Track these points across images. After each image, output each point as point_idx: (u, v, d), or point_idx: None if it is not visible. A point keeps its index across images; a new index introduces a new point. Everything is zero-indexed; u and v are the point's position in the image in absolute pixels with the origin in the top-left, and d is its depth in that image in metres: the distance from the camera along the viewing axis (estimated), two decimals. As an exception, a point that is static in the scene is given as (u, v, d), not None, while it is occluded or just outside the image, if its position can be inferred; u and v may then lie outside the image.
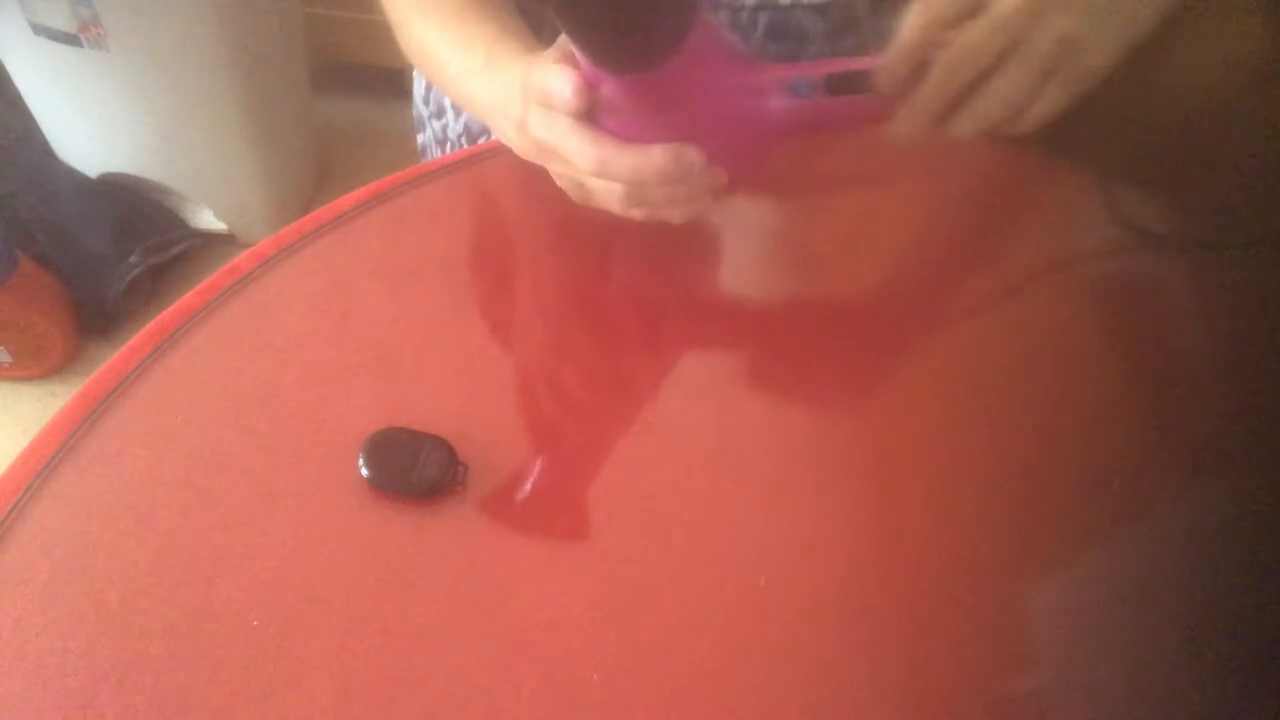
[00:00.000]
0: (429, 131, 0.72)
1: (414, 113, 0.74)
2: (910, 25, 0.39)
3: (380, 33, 0.55)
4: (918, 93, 0.40)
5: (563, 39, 0.41)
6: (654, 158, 0.39)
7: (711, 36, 0.41)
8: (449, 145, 0.70)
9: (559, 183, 0.45)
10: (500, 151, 0.56)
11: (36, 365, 1.26)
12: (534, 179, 0.47)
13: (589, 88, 0.39)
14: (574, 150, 0.40)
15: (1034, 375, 0.46)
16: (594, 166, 0.40)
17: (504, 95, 0.45)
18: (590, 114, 0.40)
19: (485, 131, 0.67)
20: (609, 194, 0.42)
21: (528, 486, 0.39)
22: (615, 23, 0.35)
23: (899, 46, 0.39)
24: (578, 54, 0.38)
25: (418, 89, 0.72)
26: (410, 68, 0.73)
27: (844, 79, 0.42)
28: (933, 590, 0.37)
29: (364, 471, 0.38)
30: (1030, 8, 0.37)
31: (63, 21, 1.15)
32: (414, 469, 0.37)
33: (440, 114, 0.70)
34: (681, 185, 0.41)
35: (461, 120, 0.68)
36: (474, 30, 0.49)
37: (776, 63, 0.43)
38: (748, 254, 0.52)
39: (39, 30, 1.17)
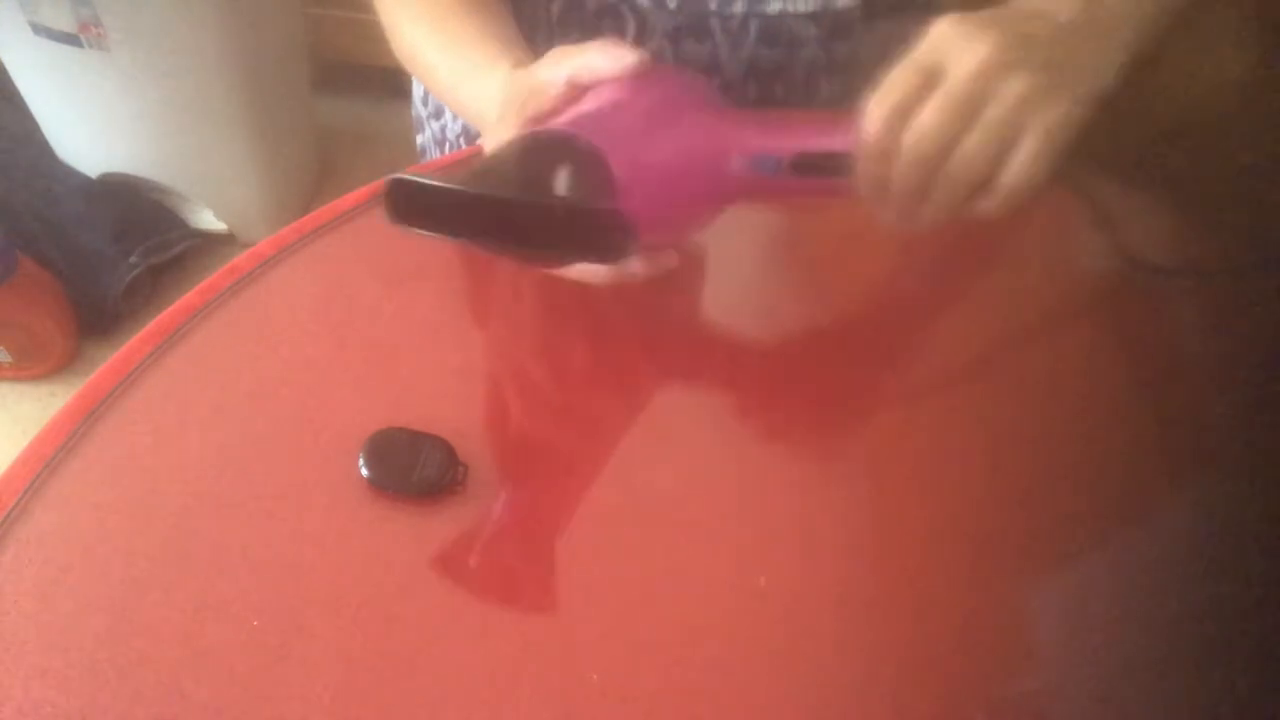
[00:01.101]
0: (428, 132, 0.72)
1: (413, 113, 0.74)
2: (872, 120, 0.36)
3: (380, 33, 0.55)
4: (889, 188, 0.38)
5: (552, 54, 0.40)
6: (600, 272, 0.40)
7: (684, 85, 0.40)
8: (448, 146, 0.70)
9: None
10: (500, 151, 0.56)
11: (36, 365, 1.26)
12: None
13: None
14: None
15: (1034, 377, 0.46)
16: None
17: (484, 104, 0.45)
18: None
19: (485, 132, 0.67)
20: None
21: (527, 486, 0.39)
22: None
23: (867, 146, 0.37)
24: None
25: (417, 90, 0.72)
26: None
27: (812, 161, 0.39)
28: (932, 591, 0.37)
29: (364, 471, 0.38)
30: (981, 74, 0.35)
31: (63, 21, 1.15)
32: (414, 469, 0.37)
33: (439, 114, 0.70)
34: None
35: (460, 121, 0.68)
36: (456, 36, 0.49)
37: (749, 116, 0.41)
38: (749, 258, 0.52)
39: (39, 30, 1.17)
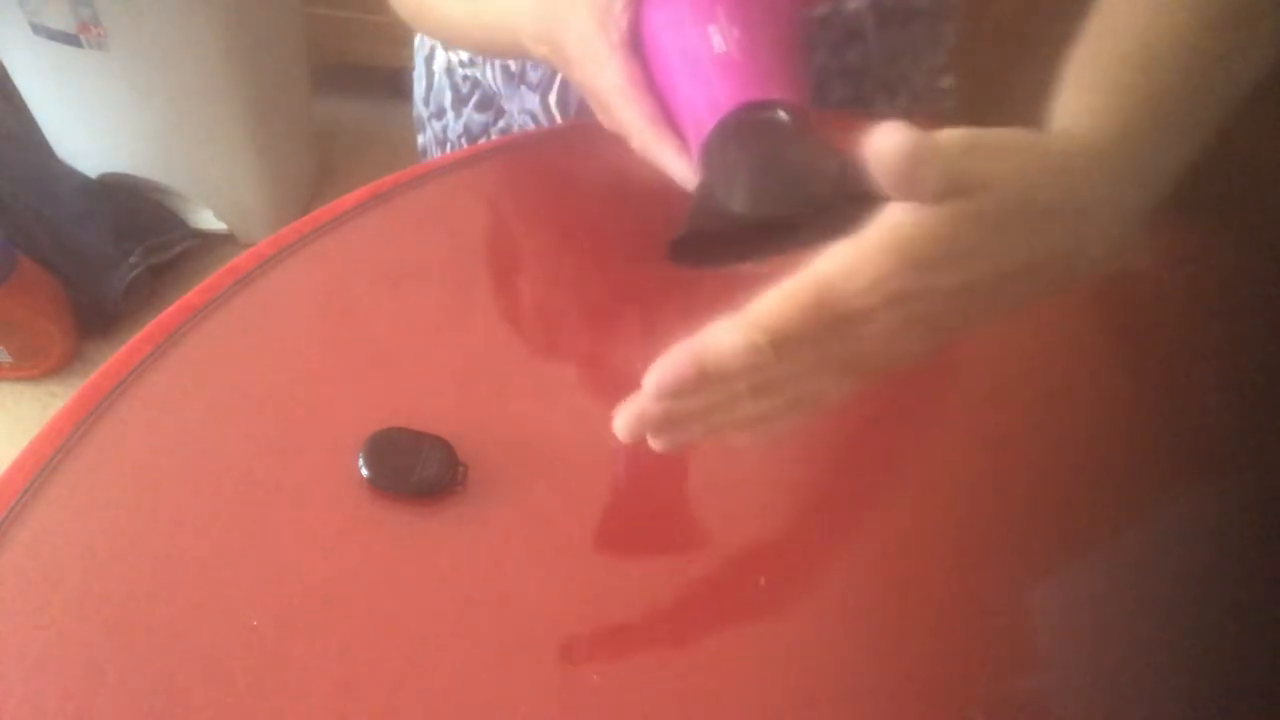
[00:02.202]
0: (429, 132, 0.72)
1: (414, 113, 0.74)
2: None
3: (380, 33, 0.55)
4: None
5: None
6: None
7: None
8: (449, 146, 0.70)
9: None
10: (500, 151, 0.56)
11: (36, 365, 1.26)
12: (534, 179, 0.47)
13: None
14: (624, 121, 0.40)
15: (1034, 374, 0.46)
16: (637, 144, 0.39)
17: (511, 19, 0.44)
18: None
19: (485, 132, 0.67)
20: None
21: (527, 486, 0.39)
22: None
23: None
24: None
25: (418, 90, 0.72)
26: (410, 67, 0.73)
27: None
28: (932, 590, 0.37)
29: (364, 471, 0.38)
30: (862, 315, 0.28)
31: (63, 21, 1.15)
32: (414, 469, 0.37)
33: (440, 114, 0.70)
34: None
35: (461, 121, 0.68)
36: None
37: None
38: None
39: (39, 30, 1.17)
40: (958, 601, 0.36)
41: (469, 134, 0.68)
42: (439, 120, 0.70)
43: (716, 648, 0.34)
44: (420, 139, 0.75)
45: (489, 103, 0.66)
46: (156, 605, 0.34)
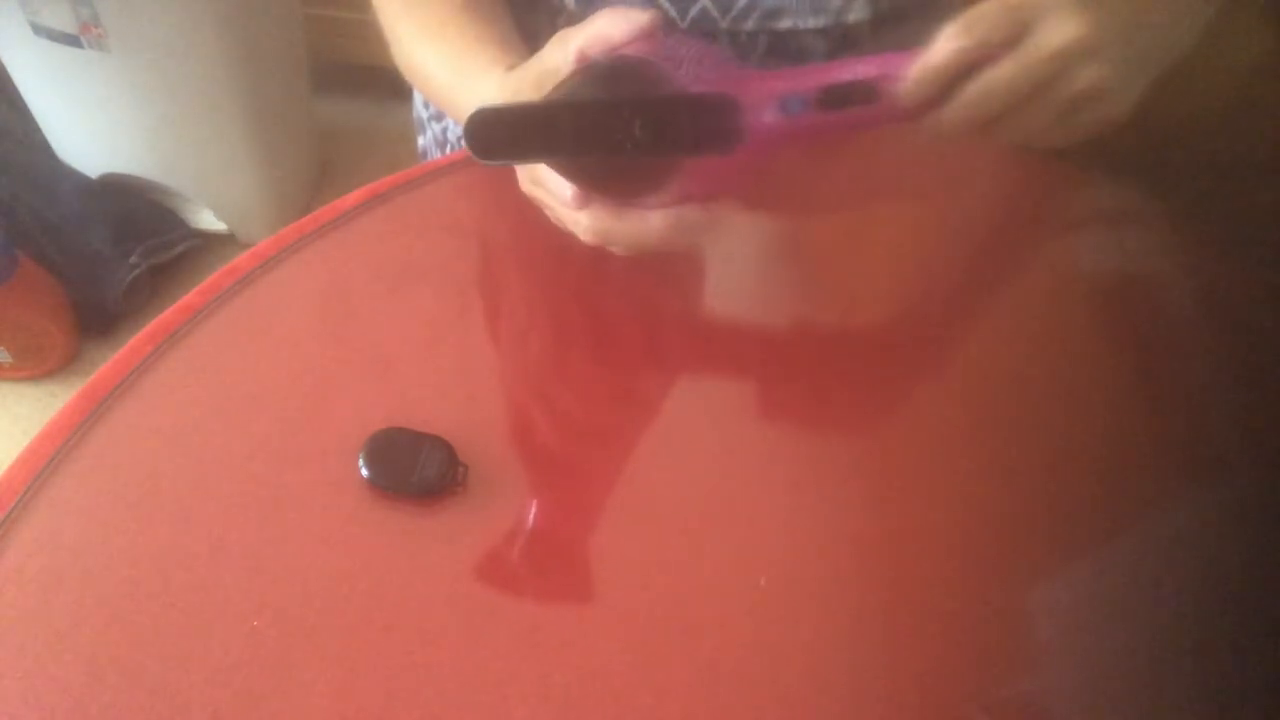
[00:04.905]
0: (429, 134, 0.72)
1: (414, 115, 0.74)
2: (945, 47, 0.37)
3: (381, 33, 0.55)
4: (939, 112, 0.39)
5: (556, 37, 0.40)
6: (654, 225, 0.37)
7: (700, 46, 0.40)
8: (449, 148, 0.70)
9: (548, 216, 0.44)
10: (500, 152, 0.56)
11: (36, 365, 1.26)
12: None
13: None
14: (568, 219, 0.39)
15: (1033, 376, 0.46)
16: (592, 237, 0.38)
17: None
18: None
19: (486, 133, 0.67)
20: (602, 245, 0.40)
21: (528, 487, 0.39)
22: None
23: (929, 65, 0.38)
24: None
25: (418, 92, 0.72)
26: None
27: (836, 93, 0.40)
28: (932, 591, 0.37)
29: (364, 471, 0.38)
30: (1065, 54, 0.36)
31: (63, 21, 1.15)
32: (414, 469, 0.37)
33: (440, 117, 0.70)
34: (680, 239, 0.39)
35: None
36: (454, 44, 0.49)
37: (768, 71, 0.42)
38: (749, 257, 0.52)
39: (39, 30, 1.17)
40: (960, 602, 0.36)
41: (469, 136, 0.68)
42: (439, 122, 0.70)
43: (716, 648, 0.34)
44: (420, 140, 0.75)
45: (489, 104, 0.66)
46: (157, 605, 0.34)
